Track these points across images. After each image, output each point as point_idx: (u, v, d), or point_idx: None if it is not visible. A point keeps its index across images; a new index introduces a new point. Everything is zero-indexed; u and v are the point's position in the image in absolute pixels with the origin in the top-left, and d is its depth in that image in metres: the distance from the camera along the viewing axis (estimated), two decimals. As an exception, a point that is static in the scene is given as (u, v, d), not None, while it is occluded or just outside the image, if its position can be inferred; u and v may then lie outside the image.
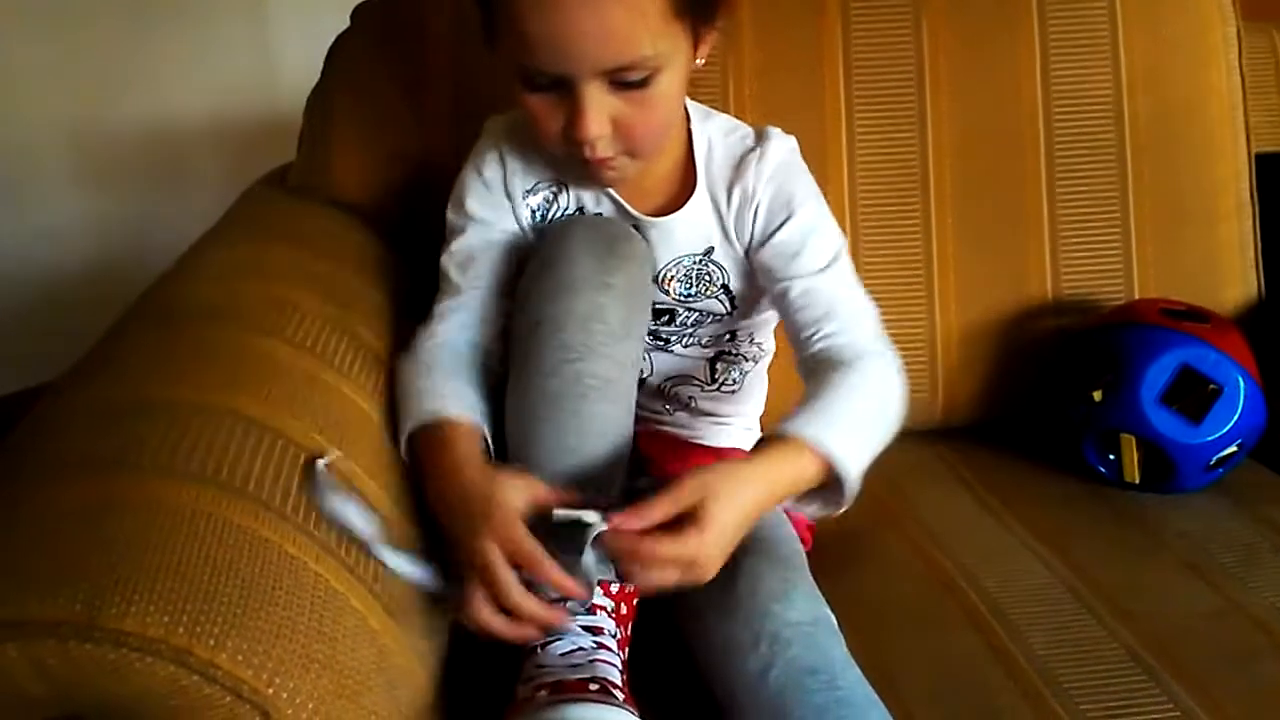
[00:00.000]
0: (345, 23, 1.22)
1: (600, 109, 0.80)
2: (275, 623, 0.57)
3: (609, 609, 0.79)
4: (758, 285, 0.94)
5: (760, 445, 0.79)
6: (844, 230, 1.19)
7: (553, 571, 0.72)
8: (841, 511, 0.81)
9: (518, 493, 0.75)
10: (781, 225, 0.90)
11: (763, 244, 0.91)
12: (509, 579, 0.72)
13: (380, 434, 0.84)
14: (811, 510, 0.82)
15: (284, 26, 1.86)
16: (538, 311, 0.82)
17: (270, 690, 0.54)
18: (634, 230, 0.88)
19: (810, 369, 0.86)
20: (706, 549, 0.71)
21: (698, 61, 0.85)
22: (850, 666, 0.75)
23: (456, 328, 0.90)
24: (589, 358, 0.80)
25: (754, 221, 0.91)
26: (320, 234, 1.11)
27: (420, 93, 1.16)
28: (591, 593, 0.75)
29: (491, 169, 0.94)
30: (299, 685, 0.56)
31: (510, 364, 0.86)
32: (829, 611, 0.79)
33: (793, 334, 0.90)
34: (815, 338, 0.87)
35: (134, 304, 0.91)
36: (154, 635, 0.53)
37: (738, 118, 0.96)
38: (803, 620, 0.76)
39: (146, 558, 0.56)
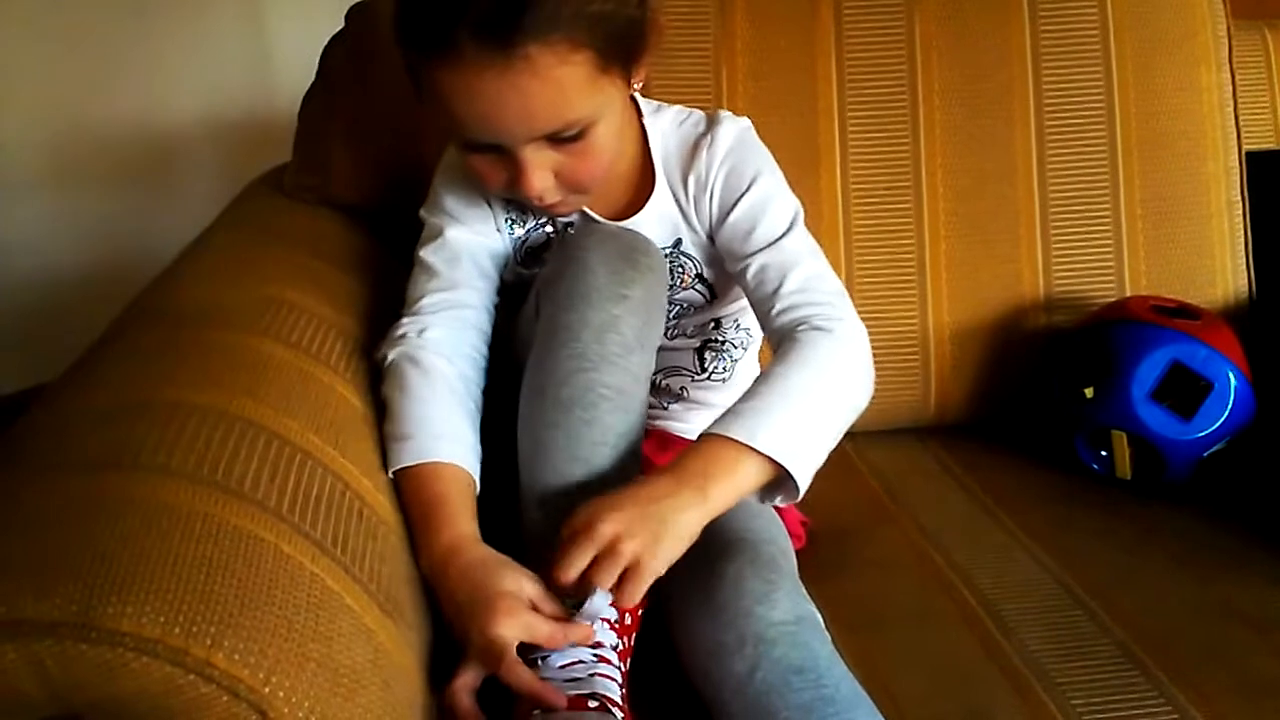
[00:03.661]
0: (340, 23, 1.23)
1: (541, 165, 0.82)
2: (271, 622, 0.57)
3: (611, 620, 0.78)
4: (729, 274, 0.94)
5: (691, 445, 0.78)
6: (837, 229, 1.21)
7: (571, 636, 0.74)
8: (800, 497, 0.79)
9: (517, 577, 0.76)
10: (735, 204, 0.90)
11: (721, 224, 0.91)
12: (515, 660, 0.73)
13: (374, 432, 0.85)
14: (777, 500, 0.80)
15: (279, 26, 1.86)
16: (552, 319, 0.83)
17: (267, 689, 0.55)
18: (651, 243, 0.88)
19: (773, 345, 0.86)
20: (600, 512, 0.72)
21: (637, 85, 0.86)
22: (836, 664, 0.75)
23: (451, 324, 0.90)
24: (603, 368, 0.81)
25: (711, 205, 0.92)
26: (315, 235, 1.11)
27: (414, 94, 1.17)
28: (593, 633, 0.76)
29: (466, 176, 0.94)
30: (295, 684, 0.56)
31: (519, 364, 0.86)
32: (814, 610, 0.79)
33: (756, 310, 0.90)
34: (774, 311, 0.86)
35: (130, 305, 0.91)
36: (150, 635, 0.53)
37: (732, 117, 0.97)
38: (786, 620, 0.75)
39: (142, 558, 0.57)
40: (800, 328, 0.83)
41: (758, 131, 0.95)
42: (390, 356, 0.88)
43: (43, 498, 0.62)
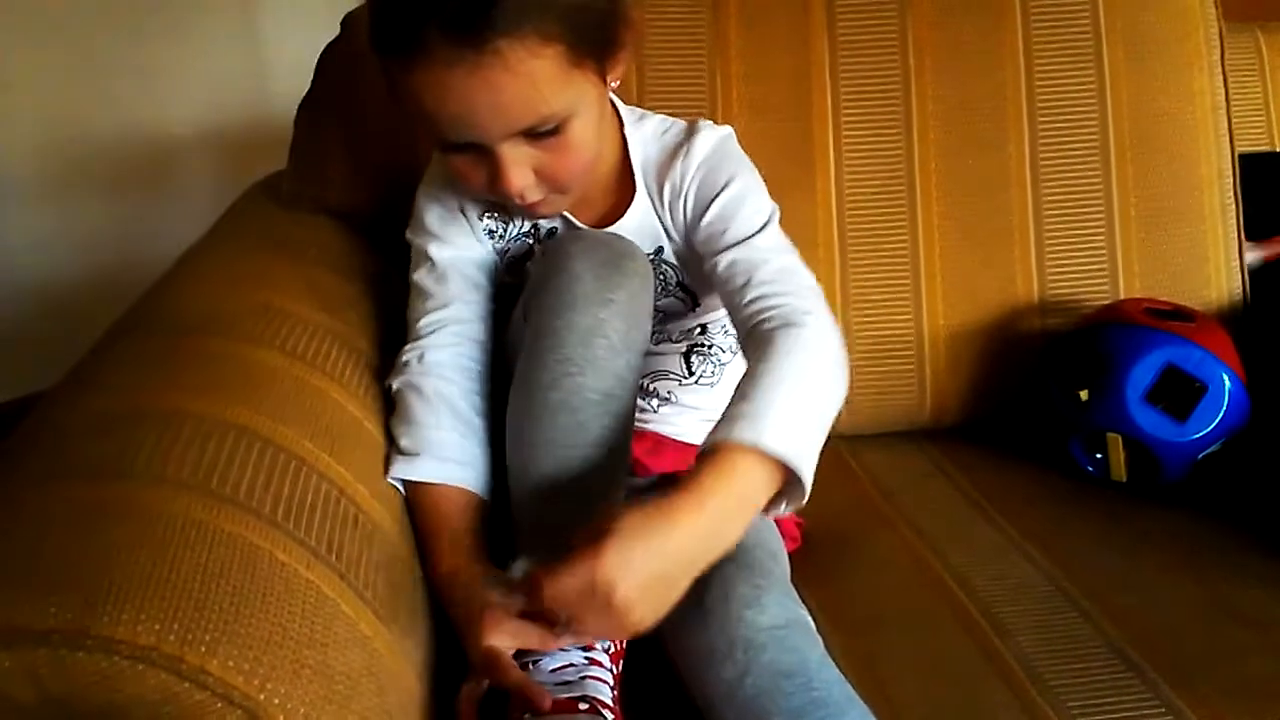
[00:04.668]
0: (336, 30, 1.23)
1: (520, 163, 0.82)
2: (266, 629, 0.58)
3: None
4: (707, 279, 0.94)
5: (700, 463, 0.72)
6: (831, 232, 1.21)
7: (564, 639, 0.74)
8: (803, 502, 0.75)
9: (507, 588, 0.76)
10: (709, 205, 0.90)
11: (695, 227, 0.91)
12: (512, 666, 0.74)
13: (370, 439, 0.85)
14: (775, 512, 0.77)
15: (275, 33, 1.87)
16: (539, 325, 0.83)
17: (262, 696, 0.55)
18: (636, 247, 0.88)
19: (745, 345, 0.84)
20: (605, 573, 0.66)
21: (613, 84, 0.86)
22: (827, 667, 0.75)
23: (449, 342, 0.92)
24: (589, 372, 0.81)
25: (685, 209, 0.92)
26: (311, 242, 1.11)
27: (391, 98, 1.17)
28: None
29: (446, 193, 0.96)
30: (290, 691, 0.56)
31: (510, 369, 0.87)
32: (804, 613, 0.79)
33: (726, 306, 0.88)
34: (743, 304, 0.84)
35: (127, 312, 0.91)
36: (145, 643, 0.53)
37: (725, 123, 0.97)
38: (775, 624, 0.75)
39: (138, 565, 0.57)
40: (769, 324, 0.81)
41: (752, 135, 0.96)
42: (395, 386, 0.91)
43: (39, 505, 0.62)
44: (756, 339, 0.81)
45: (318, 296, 0.97)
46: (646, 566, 0.68)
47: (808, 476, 0.74)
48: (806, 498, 0.75)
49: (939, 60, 1.23)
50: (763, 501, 0.73)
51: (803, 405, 0.76)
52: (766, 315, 0.82)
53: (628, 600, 0.67)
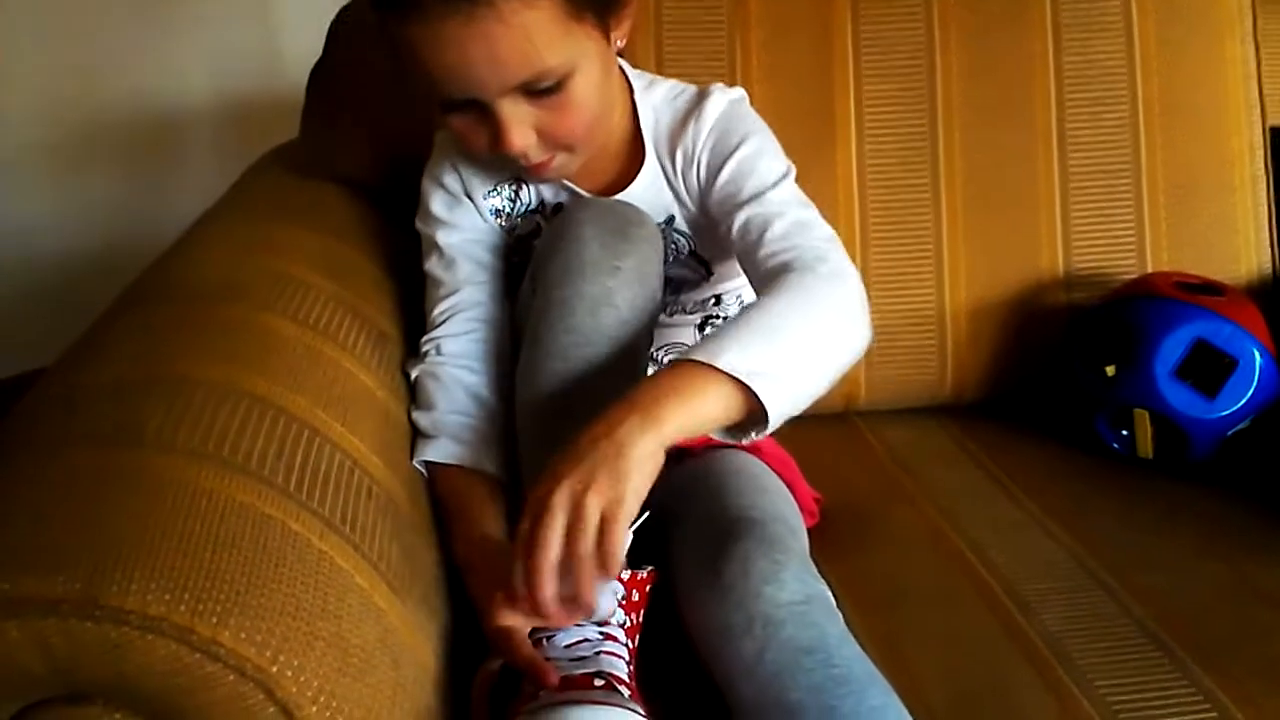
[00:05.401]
0: (348, -5, 1.21)
1: (520, 121, 0.81)
2: (279, 600, 0.57)
3: (619, 596, 0.77)
4: (724, 245, 0.93)
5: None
6: (852, 203, 1.19)
7: (576, 615, 0.73)
8: (770, 425, 0.73)
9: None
10: (722, 167, 0.89)
11: (709, 190, 0.90)
12: (524, 643, 0.73)
13: (383, 409, 0.85)
14: (751, 435, 0.75)
15: (287, -1, 1.85)
16: (547, 294, 0.82)
17: (274, 668, 0.54)
18: (645, 213, 0.87)
19: (758, 294, 0.83)
20: (550, 476, 0.68)
21: (619, 42, 0.85)
22: (847, 643, 0.73)
23: (462, 328, 0.93)
24: (598, 342, 0.80)
25: (699, 174, 0.90)
26: (324, 210, 1.10)
27: (390, 59, 1.16)
28: (612, 605, 0.76)
29: (449, 178, 0.95)
30: (303, 663, 0.55)
31: (521, 343, 0.86)
32: (825, 589, 0.77)
33: (743, 265, 0.87)
34: (758, 259, 0.83)
35: (136, 281, 0.90)
36: (155, 613, 0.52)
37: (745, 89, 0.95)
38: (795, 600, 0.73)
39: (148, 535, 0.56)
40: (784, 268, 0.80)
41: (773, 104, 0.94)
42: (414, 374, 0.92)
43: (48, 473, 0.61)
44: (769, 283, 0.80)
45: (330, 265, 0.96)
46: (576, 451, 0.69)
47: (769, 395, 0.71)
48: (770, 422, 0.73)
49: (964, 30, 1.21)
50: (714, 403, 0.72)
51: (780, 333, 0.75)
52: (780, 265, 0.81)
53: (574, 491, 0.67)
